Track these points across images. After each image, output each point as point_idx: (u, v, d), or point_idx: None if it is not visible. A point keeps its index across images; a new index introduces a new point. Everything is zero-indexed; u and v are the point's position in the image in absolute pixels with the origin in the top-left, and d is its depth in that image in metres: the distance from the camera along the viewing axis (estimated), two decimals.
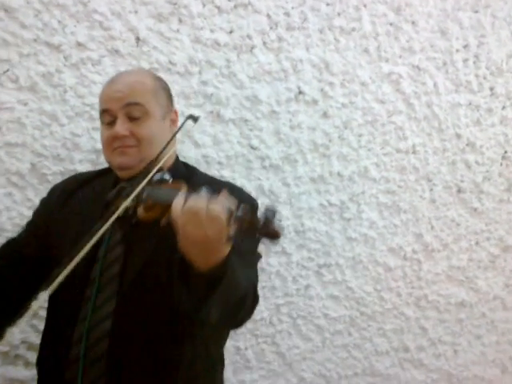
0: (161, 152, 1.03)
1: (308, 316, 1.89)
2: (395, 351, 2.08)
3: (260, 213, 0.79)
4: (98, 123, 1.51)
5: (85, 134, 1.53)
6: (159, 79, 1.21)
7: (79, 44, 1.52)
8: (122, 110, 1.09)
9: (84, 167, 1.53)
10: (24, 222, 1.29)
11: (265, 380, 1.84)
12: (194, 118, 1.11)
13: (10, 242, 1.21)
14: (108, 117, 1.10)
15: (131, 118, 1.10)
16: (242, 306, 0.96)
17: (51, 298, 1.12)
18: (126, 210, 0.95)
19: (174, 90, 1.64)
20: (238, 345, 1.78)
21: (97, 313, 1.05)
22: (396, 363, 2.09)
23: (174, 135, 1.09)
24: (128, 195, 0.95)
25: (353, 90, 1.90)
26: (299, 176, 1.84)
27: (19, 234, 1.24)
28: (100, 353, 1.04)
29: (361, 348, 2.02)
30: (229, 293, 0.89)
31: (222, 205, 0.78)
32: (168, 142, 1.06)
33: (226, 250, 0.83)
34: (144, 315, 1.06)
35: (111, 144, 1.10)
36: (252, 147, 1.77)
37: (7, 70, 1.45)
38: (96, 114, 1.49)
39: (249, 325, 1.79)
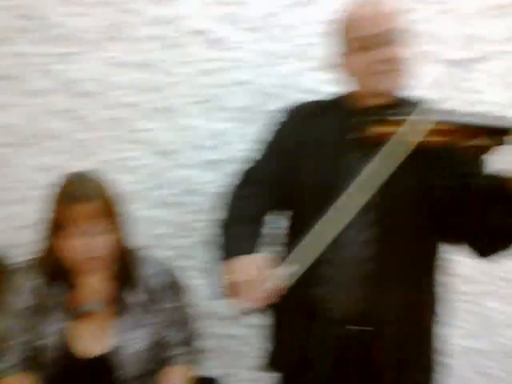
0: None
1: None
2: None
3: None
4: (311, 63, 1.54)
5: (305, 74, 1.56)
6: None
7: None
8: (388, 35, 1.08)
9: None
10: (249, 154, 1.29)
11: (462, 339, 1.76)
12: None
13: (253, 168, 1.24)
14: (366, 41, 1.08)
15: (391, 43, 1.08)
16: None
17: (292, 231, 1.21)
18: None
19: None
20: None
21: (355, 238, 1.12)
22: None
23: None
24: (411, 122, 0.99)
25: None
26: None
27: (259, 159, 1.25)
28: (363, 275, 1.13)
29: None
30: None
31: None
32: None
33: None
34: (403, 240, 1.13)
35: (375, 68, 1.09)
36: None
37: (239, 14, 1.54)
38: (314, 53, 1.51)
39: (451, 280, 1.70)
